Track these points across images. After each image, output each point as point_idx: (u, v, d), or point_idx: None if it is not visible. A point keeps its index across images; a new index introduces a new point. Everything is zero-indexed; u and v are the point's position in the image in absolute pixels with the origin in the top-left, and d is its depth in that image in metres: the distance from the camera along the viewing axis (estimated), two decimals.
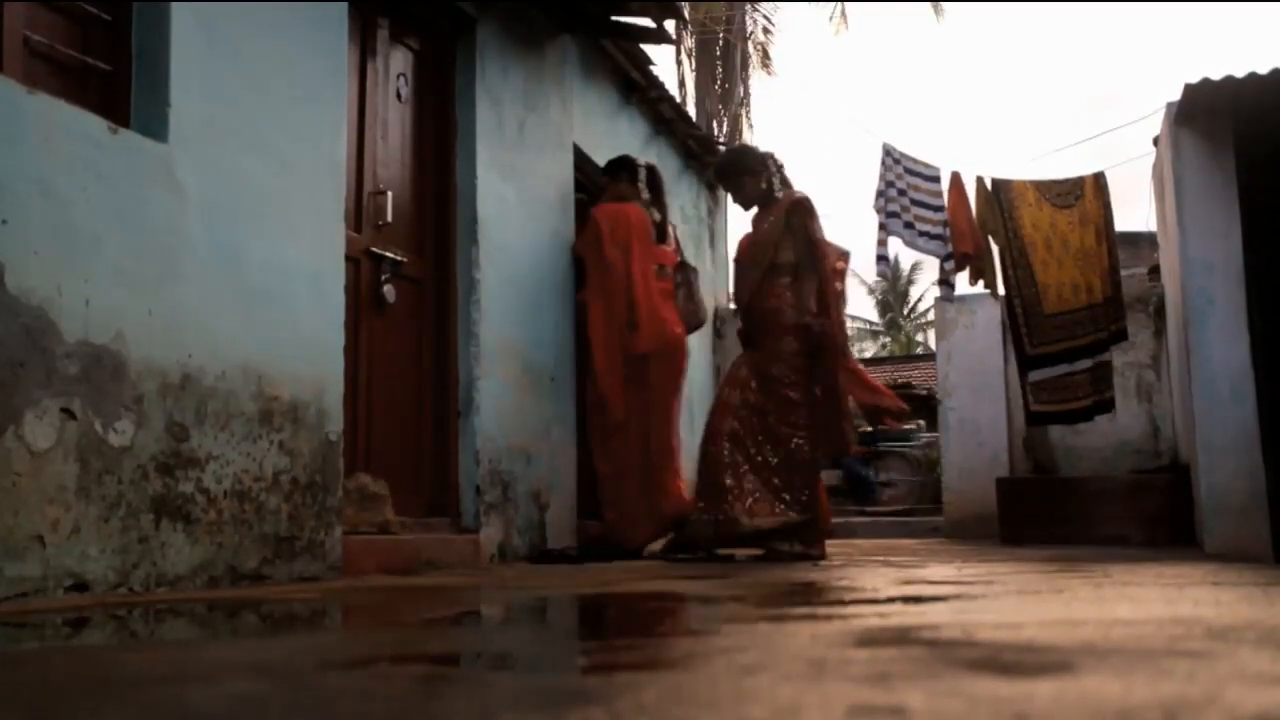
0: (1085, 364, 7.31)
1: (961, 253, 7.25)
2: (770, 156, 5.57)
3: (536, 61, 5.59)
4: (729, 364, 8.49)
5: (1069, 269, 7.27)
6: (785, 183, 5.49)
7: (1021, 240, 7.30)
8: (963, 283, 7.60)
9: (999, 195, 7.37)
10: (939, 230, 7.24)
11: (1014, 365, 7.99)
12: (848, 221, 79.58)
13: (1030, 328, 7.31)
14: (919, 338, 34.42)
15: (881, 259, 7.42)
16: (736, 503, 5.01)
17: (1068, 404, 7.41)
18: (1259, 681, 1.17)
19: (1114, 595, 2.60)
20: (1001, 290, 7.48)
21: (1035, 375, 7.40)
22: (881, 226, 7.14)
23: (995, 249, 7.41)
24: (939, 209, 7.26)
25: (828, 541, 5.43)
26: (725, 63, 17.22)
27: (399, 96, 4.70)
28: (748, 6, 17.30)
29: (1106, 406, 7.43)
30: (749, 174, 5.50)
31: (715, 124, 16.84)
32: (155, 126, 3.11)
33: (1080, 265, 7.25)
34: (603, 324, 5.35)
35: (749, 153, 5.72)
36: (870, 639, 1.66)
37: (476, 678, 1.45)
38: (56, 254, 2.71)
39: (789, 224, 5.29)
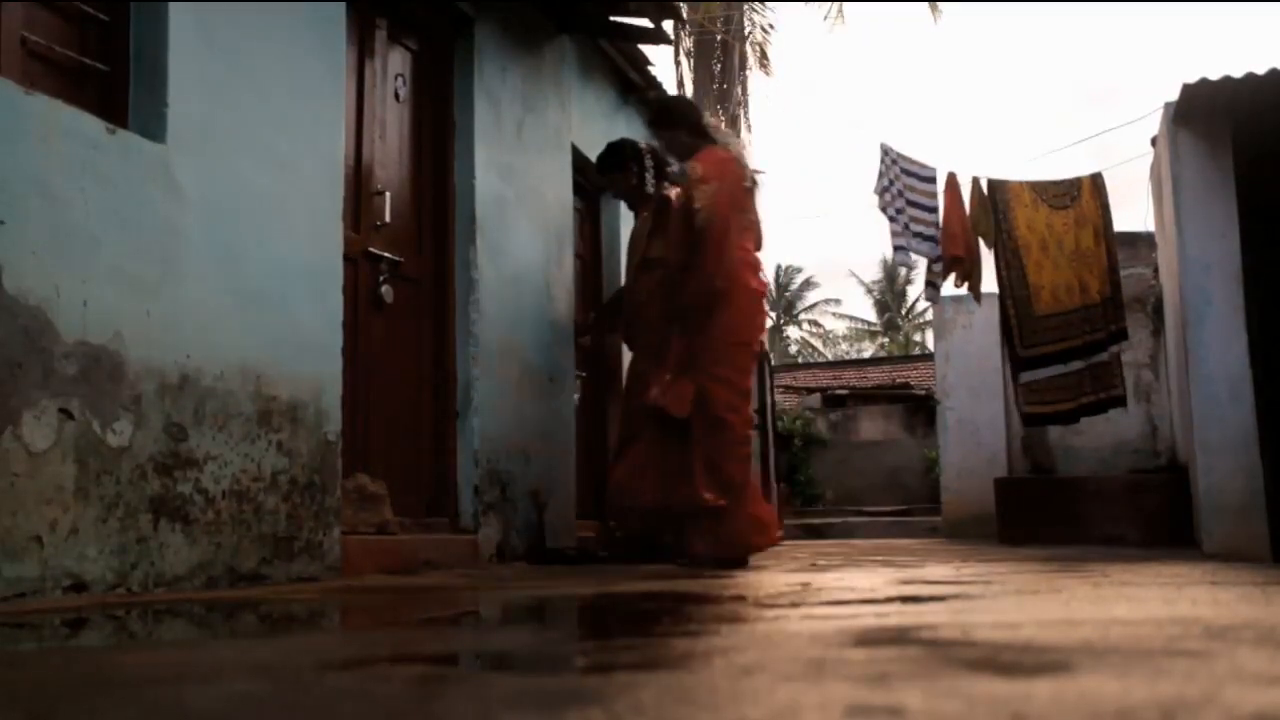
0: (1079, 364, 7.31)
1: (952, 255, 7.25)
2: (650, 151, 5.49)
3: (535, 62, 5.59)
4: None
5: (1065, 270, 7.27)
6: (661, 177, 5.41)
7: (1015, 241, 7.30)
8: (948, 286, 7.61)
9: (994, 196, 7.38)
10: (931, 231, 7.25)
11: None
12: (845, 221, 79.60)
13: (1022, 329, 7.31)
14: (917, 338, 34.46)
15: (899, 249, 7.38)
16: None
17: (1064, 404, 7.41)
18: (1257, 681, 1.17)
19: (1112, 595, 2.60)
20: (986, 291, 7.50)
21: (1026, 377, 7.40)
22: (892, 220, 7.15)
23: (987, 251, 7.42)
24: (933, 210, 7.27)
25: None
26: (723, 63, 17.24)
27: (397, 97, 4.70)
28: (745, 7, 17.31)
29: (1115, 402, 7.43)
30: (618, 170, 5.45)
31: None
32: (153, 127, 3.11)
33: (1077, 266, 7.26)
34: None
35: (622, 147, 5.58)
36: (869, 639, 1.66)
37: (475, 678, 1.45)
38: (54, 254, 2.71)
39: (658, 221, 5.20)
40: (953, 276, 7.44)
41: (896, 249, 7.37)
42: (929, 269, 7.41)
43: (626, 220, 6.43)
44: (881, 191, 7.17)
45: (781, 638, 1.76)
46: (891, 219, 7.13)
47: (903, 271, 35.08)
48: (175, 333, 3.06)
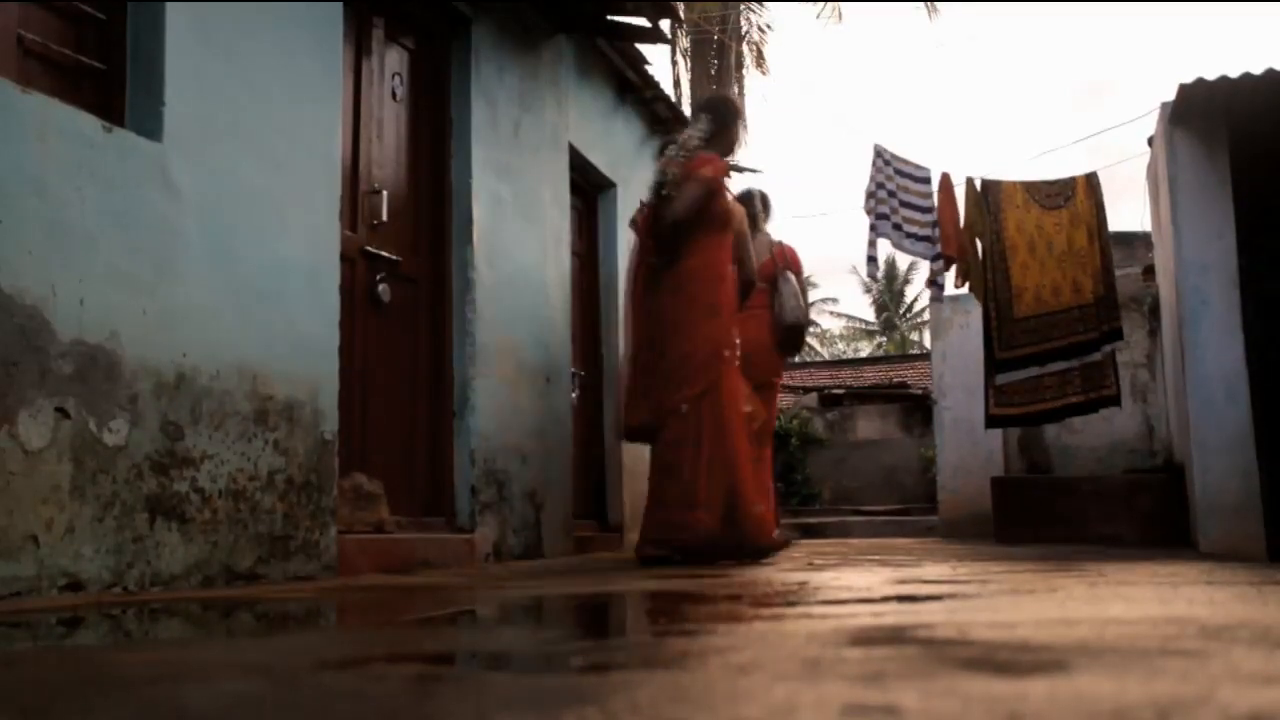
0: (1058, 366, 7.29)
1: (946, 254, 7.26)
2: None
3: (532, 61, 5.59)
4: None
5: (1051, 271, 7.26)
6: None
7: (1003, 243, 7.30)
8: (950, 284, 7.61)
9: (987, 196, 7.38)
10: (927, 232, 7.25)
11: None
12: (839, 221, 79.74)
13: (1000, 333, 7.31)
14: (914, 337, 34.46)
15: (871, 260, 7.39)
16: None
17: (1035, 405, 7.40)
18: (1253, 681, 1.17)
19: (1108, 594, 2.60)
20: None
21: (1001, 379, 7.40)
22: (871, 228, 7.15)
23: (980, 251, 7.43)
24: (928, 210, 7.27)
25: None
26: (720, 63, 17.23)
27: (394, 96, 4.70)
28: (742, 6, 17.30)
29: (1108, 402, 7.41)
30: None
31: None
32: (150, 126, 3.11)
33: (1065, 267, 7.24)
34: None
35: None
36: (865, 638, 1.66)
37: (471, 677, 1.45)
38: (51, 253, 2.70)
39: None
40: (953, 275, 7.45)
41: (869, 259, 7.36)
42: (931, 267, 7.43)
43: (623, 219, 6.43)
44: (870, 195, 7.16)
45: (778, 637, 1.76)
46: (873, 226, 7.12)
47: (901, 271, 35.10)
48: (172, 332, 3.06)
